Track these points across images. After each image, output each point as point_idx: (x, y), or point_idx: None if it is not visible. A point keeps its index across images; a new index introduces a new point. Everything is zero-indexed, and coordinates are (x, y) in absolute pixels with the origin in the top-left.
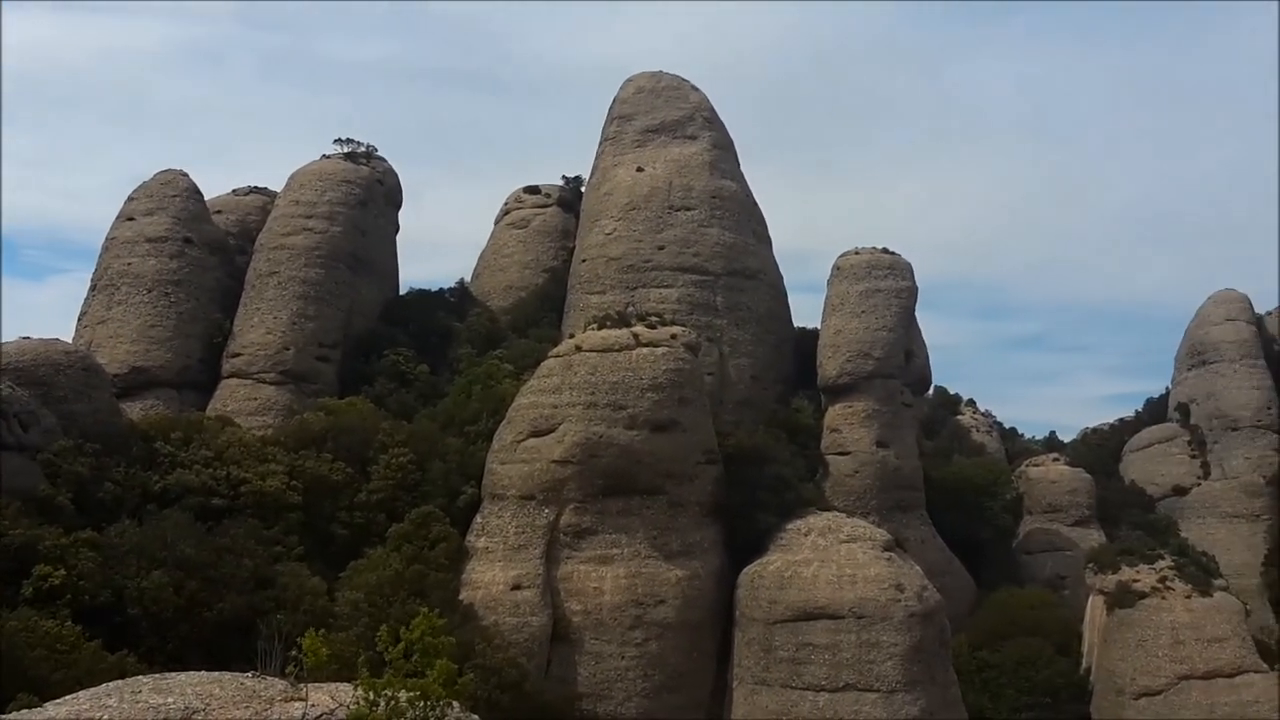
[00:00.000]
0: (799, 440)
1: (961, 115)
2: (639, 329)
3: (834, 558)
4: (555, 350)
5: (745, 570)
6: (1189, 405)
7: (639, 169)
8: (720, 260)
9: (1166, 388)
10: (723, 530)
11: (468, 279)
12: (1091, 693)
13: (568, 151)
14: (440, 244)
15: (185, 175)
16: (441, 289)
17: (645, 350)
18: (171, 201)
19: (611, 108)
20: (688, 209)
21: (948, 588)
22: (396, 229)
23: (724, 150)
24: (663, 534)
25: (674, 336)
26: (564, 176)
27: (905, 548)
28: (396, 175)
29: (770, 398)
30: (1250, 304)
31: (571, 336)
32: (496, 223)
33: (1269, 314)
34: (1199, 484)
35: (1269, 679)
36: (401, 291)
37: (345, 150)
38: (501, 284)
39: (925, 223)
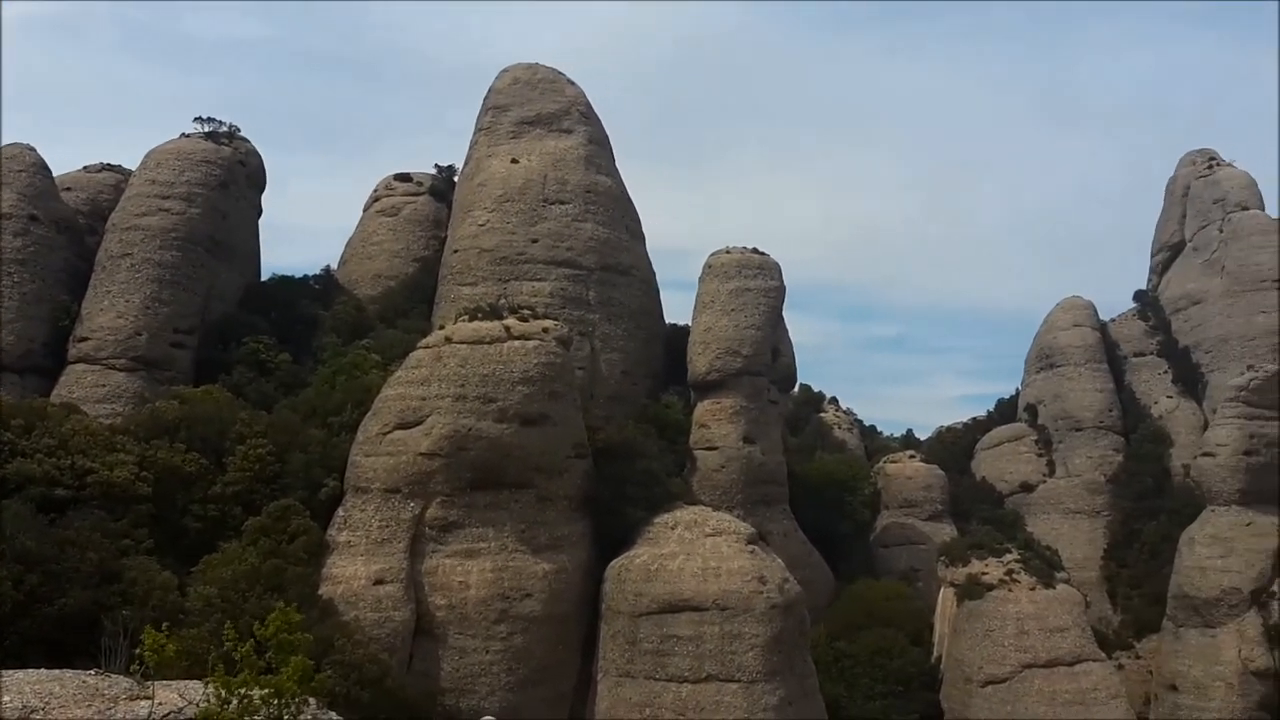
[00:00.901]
0: (668, 435)
1: (833, 120)
2: (511, 322)
3: (699, 551)
4: (425, 341)
5: (612, 564)
6: (1037, 406)
7: (514, 160)
8: (594, 255)
9: (1016, 389)
10: (591, 524)
11: (334, 266)
12: (941, 681)
13: (440, 142)
14: (306, 230)
15: (32, 150)
16: (306, 276)
17: (516, 343)
18: (17, 177)
19: (487, 98)
20: (562, 203)
21: (808, 580)
22: (259, 213)
23: (599, 145)
24: (531, 528)
25: (546, 330)
26: (436, 165)
27: (768, 541)
28: (260, 157)
29: (641, 393)
30: (1095, 311)
31: (442, 328)
32: (365, 210)
33: (1113, 321)
34: (1045, 481)
35: (1106, 667)
36: (264, 278)
37: (206, 130)
38: (369, 272)
39: (794, 225)
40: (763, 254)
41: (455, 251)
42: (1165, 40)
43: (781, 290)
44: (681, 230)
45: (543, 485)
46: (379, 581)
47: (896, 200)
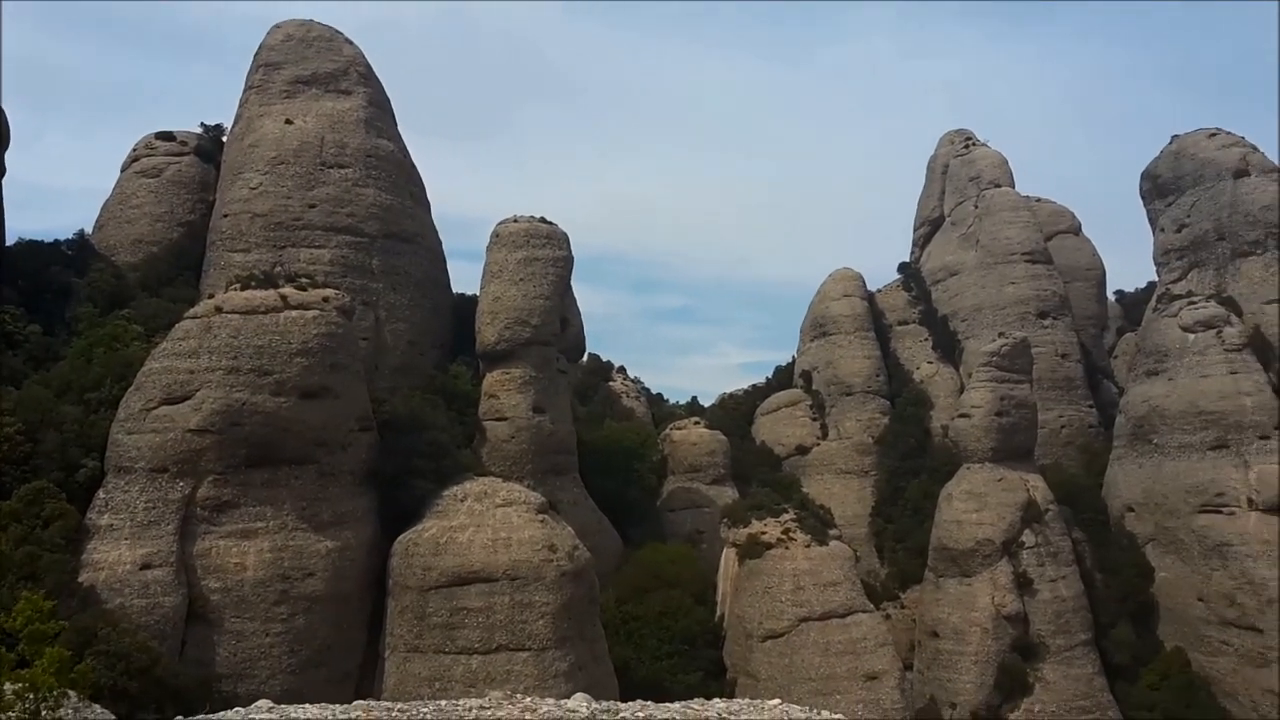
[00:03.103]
0: (456, 407)
1: (623, 95)
2: (288, 290)
3: (489, 522)
4: (192, 311)
5: (400, 538)
6: (811, 373)
7: (288, 121)
8: (376, 222)
9: (793, 357)
10: (377, 499)
11: (89, 231)
12: (724, 638)
13: (205, 102)
14: (57, 192)
15: None
16: (57, 241)
17: (294, 313)
18: None
19: (258, 54)
20: (341, 166)
21: (598, 546)
22: (1, 173)
23: (380, 108)
24: (312, 504)
25: (326, 299)
26: (203, 124)
27: (558, 510)
28: (3, 115)
29: (428, 363)
30: (864, 282)
31: (211, 297)
32: (123, 170)
33: (879, 291)
34: (819, 444)
35: (874, 618)
36: (9, 243)
37: None
38: (129, 237)
39: (584, 195)
40: (551, 223)
41: (225, 216)
42: (933, 28)
43: (570, 260)
44: (470, 198)
45: (325, 460)
46: (146, 566)
47: (683, 175)
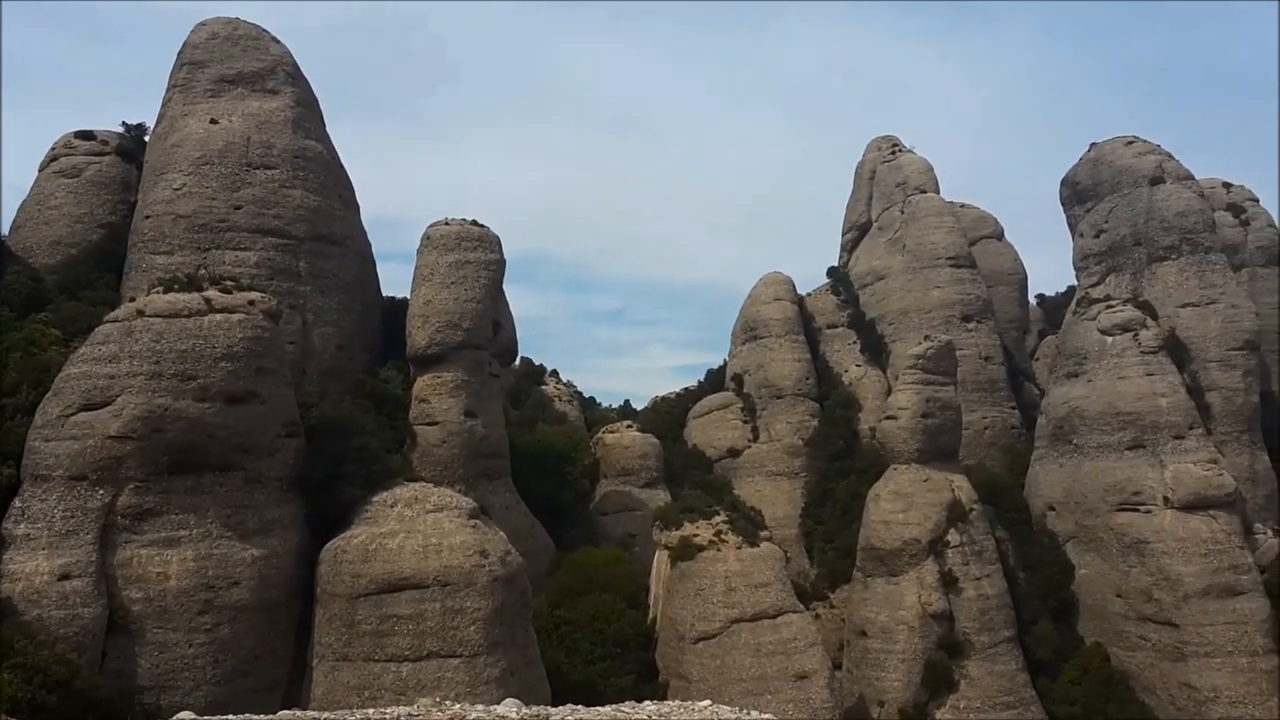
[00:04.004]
0: (386, 411)
1: (559, 99)
2: (212, 294)
3: (420, 528)
4: (113, 315)
5: (328, 545)
6: (743, 376)
7: (213, 121)
8: (304, 224)
9: (724, 360)
10: (304, 505)
11: (4, 232)
12: (656, 640)
13: (127, 99)
14: None
15: None
16: None
17: (219, 317)
18: None
19: (181, 52)
20: (268, 168)
21: (530, 551)
22: None
23: (308, 108)
24: (237, 512)
25: (252, 303)
26: (124, 123)
27: (490, 514)
28: None
29: (357, 368)
30: (794, 286)
31: (133, 300)
32: (41, 170)
33: (809, 295)
34: (750, 446)
35: (804, 617)
36: None
37: None
38: (47, 239)
39: (515, 197)
40: (482, 226)
41: (147, 217)
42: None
43: (502, 263)
44: (400, 201)
45: (250, 467)
46: (64, 576)
47: (618, 178)
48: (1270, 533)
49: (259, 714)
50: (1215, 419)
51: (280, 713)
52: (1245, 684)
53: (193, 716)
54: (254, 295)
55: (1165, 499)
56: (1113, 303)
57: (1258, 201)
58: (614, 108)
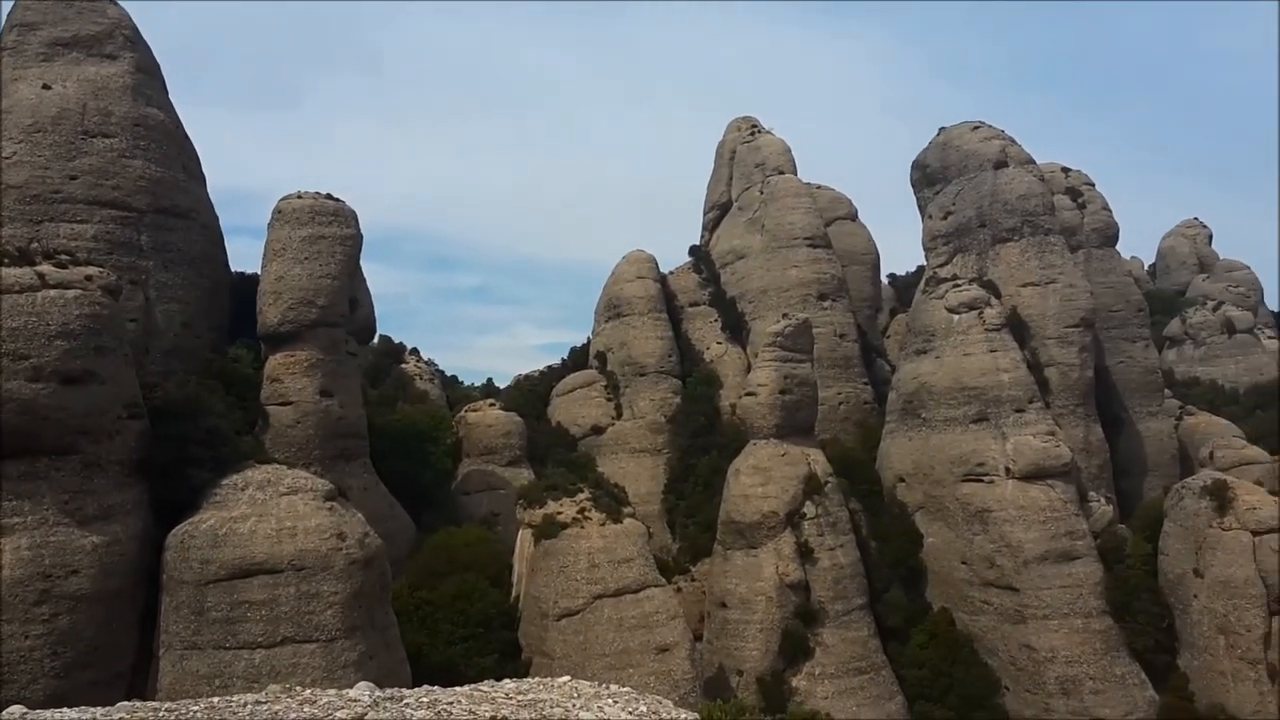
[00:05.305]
0: (236, 391)
1: (422, 71)
2: (46, 268)
3: (273, 512)
4: None
5: (174, 531)
6: (606, 353)
7: (45, 86)
8: (145, 196)
9: (588, 338)
10: (148, 490)
11: None
12: (520, 619)
13: None
14: None
15: None
16: None
17: (54, 293)
18: None
19: (11, 13)
20: (106, 136)
21: (390, 532)
22: None
23: (149, 75)
24: (76, 497)
25: (89, 278)
26: None
27: (348, 496)
28: None
29: (204, 346)
30: (657, 264)
31: None
32: None
33: (671, 273)
34: (613, 423)
35: (666, 591)
36: None
37: None
38: None
39: (375, 173)
40: (338, 200)
41: None
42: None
43: (358, 238)
44: (259, 173)
45: (90, 450)
46: None
47: (483, 153)
48: (1103, 500)
49: (99, 706)
50: (1053, 393)
51: (119, 704)
52: (1080, 644)
53: (24, 710)
54: (92, 270)
55: (1007, 470)
56: (959, 282)
57: (1093, 185)
58: (482, 86)
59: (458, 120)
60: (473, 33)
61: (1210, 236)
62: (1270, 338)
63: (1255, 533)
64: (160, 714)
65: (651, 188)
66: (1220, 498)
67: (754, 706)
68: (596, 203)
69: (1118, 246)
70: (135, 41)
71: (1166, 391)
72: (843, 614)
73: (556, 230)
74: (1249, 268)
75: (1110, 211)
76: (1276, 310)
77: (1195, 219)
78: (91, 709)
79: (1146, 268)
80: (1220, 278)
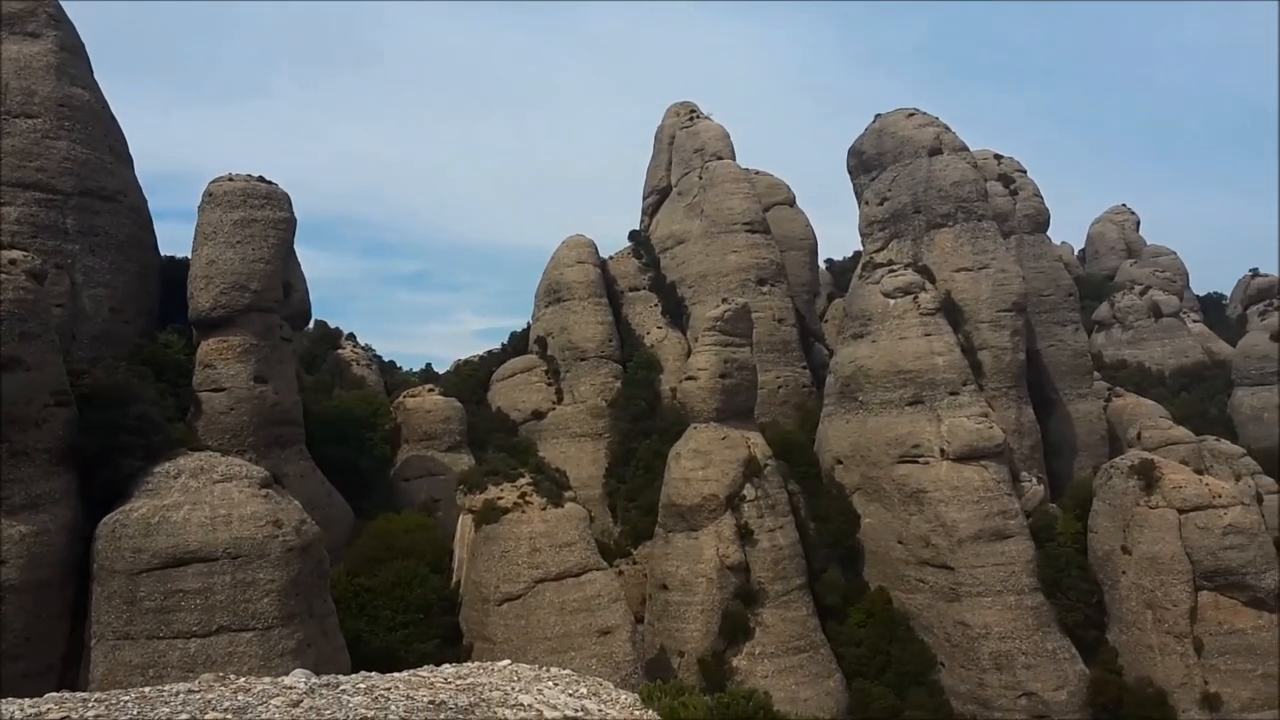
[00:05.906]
0: (168, 377)
1: (363, 54)
2: None
3: (207, 499)
4: None
5: (105, 520)
6: (546, 338)
7: None
8: (71, 178)
9: (529, 323)
10: (77, 479)
11: None
12: (461, 604)
13: None
14: None
15: None
16: None
17: None
18: None
19: None
20: (29, 116)
21: (328, 519)
22: None
23: (73, 54)
24: (2, 487)
25: (14, 262)
26: None
27: (284, 483)
28: None
29: (133, 331)
30: (597, 249)
31: None
32: None
33: (611, 258)
34: (554, 408)
35: (608, 575)
36: None
37: None
38: None
39: (313, 157)
40: (270, 183)
41: None
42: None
43: (292, 221)
44: (190, 156)
45: (15, 439)
46: None
47: (423, 138)
48: (1035, 480)
49: (26, 698)
50: (986, 376)
51: (46, 695)
52: (1013, 620)
53: None
54: (15, 254)
55: (941, 451)
56: (895, 267)
57: (1025, 173)
58: (421, 71)
59: (393, 99)
60: (407, 17)
61: (1138, 223)
62: (1195, 321)
63: (1181, 510)
64: (90, 704)
65: (591, 172)
66: (1147, 477)
67: (694, 686)
68: (536, 187)
69: (1048, 232)
70: (59, 20)
71: (1096, 374)
72: (782, 594)
73: (495, 215)
74: (1175, 253)
75: (1041, 198)
76: (1201, 295)
77: (1124, 205)
78: (16, 700)
79: (1076, 253)
80: (1147, 263)
